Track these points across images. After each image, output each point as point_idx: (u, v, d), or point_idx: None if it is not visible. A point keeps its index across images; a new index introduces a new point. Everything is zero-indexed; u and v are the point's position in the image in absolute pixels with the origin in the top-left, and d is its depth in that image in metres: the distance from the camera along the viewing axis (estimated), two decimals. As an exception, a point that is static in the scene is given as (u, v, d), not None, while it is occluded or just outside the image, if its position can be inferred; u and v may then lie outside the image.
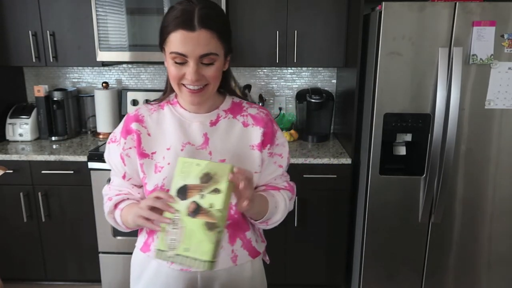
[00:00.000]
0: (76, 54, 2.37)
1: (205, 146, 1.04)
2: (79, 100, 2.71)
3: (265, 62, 2.36)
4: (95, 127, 2.69)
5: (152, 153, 1.05)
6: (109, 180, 1.15)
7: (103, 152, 1.17)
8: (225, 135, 1.06)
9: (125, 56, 2.26)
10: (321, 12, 2.26)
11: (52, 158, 2.21)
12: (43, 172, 2.24)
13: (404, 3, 1.78)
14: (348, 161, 2.16)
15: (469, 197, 1.98)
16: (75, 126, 2.64)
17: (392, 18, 1.80)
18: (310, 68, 2.70)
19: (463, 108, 1.87)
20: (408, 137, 1.94)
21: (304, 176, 2.19)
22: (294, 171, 2.19)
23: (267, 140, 1.07)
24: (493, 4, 1.76)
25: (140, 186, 1.09)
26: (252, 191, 0.90)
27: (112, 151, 1.08)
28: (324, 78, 2.72)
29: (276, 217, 1.09)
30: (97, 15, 2.21)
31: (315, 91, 2.47)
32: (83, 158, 2.18)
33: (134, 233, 1.13)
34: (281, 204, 1.08)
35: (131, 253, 1.17)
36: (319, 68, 2.70)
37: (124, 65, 2.75)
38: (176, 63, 0.93)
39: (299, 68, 2.70)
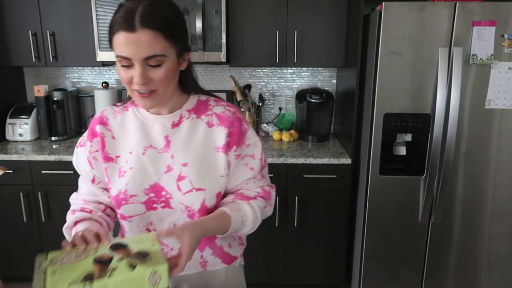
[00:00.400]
0: (76, 54, 2.37)
1: (166, 149, 0.99)
2: (79, 100, 2.71)
3: (265, 62, 2.36)
4: (95, 127, 2.68)
5: (116, 157, 1.01)
6: None
7: None
8: (188, 136, 0.99)
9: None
10: (321, 12, 2.26)
11: (52, 158, 2.21)
12: (43, 172, 2.24)
13: (404, 3, 1.78)
14: (348, 161, 2.16)
15: (469, 197, 1.98)
16: (75, 126, 2.63)
17: (392, 18, 1.79)
18: (310, 68, 2.70)
19: (463, 108, 1.87)
20: (408, 137, 1.93)
21: (304, 176, 2.19)
22: (294, 171, 2.19)
23: (233, 141, 0.99)
24: (493, 4, 1.76)
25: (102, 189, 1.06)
26: (185, 260, 0.82)
27: (80, 155, 1.05)
28: (324, 78, 2.72)
29: (244, 230, 1.02)
30: (97, 15, 2.21)
31: (315, 91, 2.47)
32: (83, 158, 2.18)
33: (134, 233, 1.13)
34: (249, 217, 1.00)
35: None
36: (319, 68, 2.70)
37: (124, 65, 2.75)
38: (123, 66, 0.88)
39: (299, 68, 2.70)
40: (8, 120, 2.52)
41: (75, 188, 1.13)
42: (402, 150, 1.94)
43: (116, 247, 0.83)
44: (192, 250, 0.84)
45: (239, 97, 2.65)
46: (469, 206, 2.00)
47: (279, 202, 2.22)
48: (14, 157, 2.22)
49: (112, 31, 0.87)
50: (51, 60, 2.37)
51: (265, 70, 2.73)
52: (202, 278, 1.09)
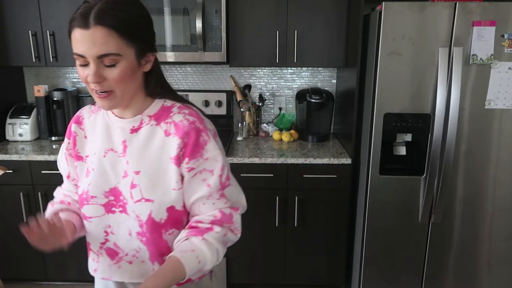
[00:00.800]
0: (76, 54, 2.36)
1: (124, 155, 0.96)
2: (79, 100, 2.71)
3: (265, 62, 2.36)
4: (95, 127, 2.69)
5: (86, 156, 1.02)
6: None
7: None
8: (145, 144, 0.95)
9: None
10: (321, 12, 2.26)
11: (52, 158, 2.21)
12: (43, 172, 2.24)
13: (404, 3, 1.78)
14: (348, 161, 2.16)
15: (469, 197, 1.98)
16: (75, 126, 2.63)
17: (392, 18, 1.79)
18: (310, 68, 2.70)
19: (463, 108, 1.87)
20: (408, 137, 1.93)
21: (304, 176, 2.19)
22: (294, 171, 2.19)
23: (186, 153, 0.92)
24: (493, 4, 1.76)
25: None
26: None
27: (60, 152, 1.08)
28: (324, 78, 2.72)
29: (206, 267, 0.94)
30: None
31: (315, 91, 2.47)
32: (83, 158, 2.18)
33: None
34: (206, 254, 0.92)
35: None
36: (319, 68, 2.70)
37: (124, 65, 2.75)
38: (81, 65, 0.86)
39: (299, 68, 2.70)
40: (8, 120, 2.52)
41: (75, 188, 1.14)
42: (402, 150, 1.94)
43: None
44: None
45: (239, 97, 2.65)
46: (469, 206, 2.00)
47: (279, 202, 2.22)
48: (14, 157, 2.22)
49: (69, 27, 0.85)
50: (51, 60, 2.37)
51: (265, 70, 2.73)
52: None
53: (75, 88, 2.70)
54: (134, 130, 0.96)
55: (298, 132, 2.58)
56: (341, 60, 2.33)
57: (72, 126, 1.04)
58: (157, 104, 0.98)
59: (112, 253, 1.03)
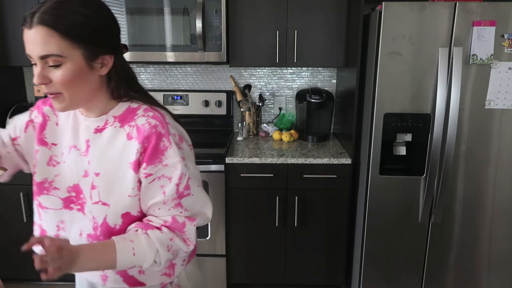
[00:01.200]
0: (76, 54, 2.36)
1: (86, 154, 0.95)
2: (79, 100, 2.71)
3: (265, 62, 2.36)
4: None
5: (52, 144, 0.99)
6: None
7: None
8: (107, 145, 0.93)
9: (125, 56, 2.26)
10: (321, 12, 2.26)
11: (52, 158, 2.20)
12: (43, 172, 2.24)
13: (404, 3, 1.78)
14: (348, 161, 2.16)
15: (469, 197, 1.98)
16: (75, 126, 2.63)
17: (392, 18, 1.79)
18: (310, 68, 2.70)
19: (463, 108, 1.87)
20: (408, 137, 1.93)
21: (304, 176, 2.19)
22: (294, 171, 2.19)
23: (144, 158, 0.89)
24: (493, 4, 1.76)
25: (15, 151, 1.04)
26: (57, 263, 0.83)
27: (24, 115, 1.04)
28: (324, 78, 2.72)
29: (145, 264, 0.89)
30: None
31: (315, 91, 2.47)
32: (83, 158, 2.18)
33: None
34: (144, 250, 0.88)
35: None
36: (319, 68, 2.70)
37: (124, 65, 2.75)
38: (31, 64, 0.85)
39: (299, 68, 2.70)
40: (8, 120, 2.52)
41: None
42: (402, 150, 1.94)
43: None
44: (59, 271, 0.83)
45: (239, 97, 2.65)
46: (469, 206, 2.00)
47: (279, 202, 2.22)
48: (14, 157, 2.22)
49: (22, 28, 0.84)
50: (51, 60, 2.36)
51: (265, 70, 2.73)
52: None
53: (75, 88, 2.70)
54: (98, 130, 0.95)
55: (298, 132, 2.58)
56: (341, 60, 2.33)
57: (46, 109, 1.01)
58: (123, 106, 0.95)
59: None
